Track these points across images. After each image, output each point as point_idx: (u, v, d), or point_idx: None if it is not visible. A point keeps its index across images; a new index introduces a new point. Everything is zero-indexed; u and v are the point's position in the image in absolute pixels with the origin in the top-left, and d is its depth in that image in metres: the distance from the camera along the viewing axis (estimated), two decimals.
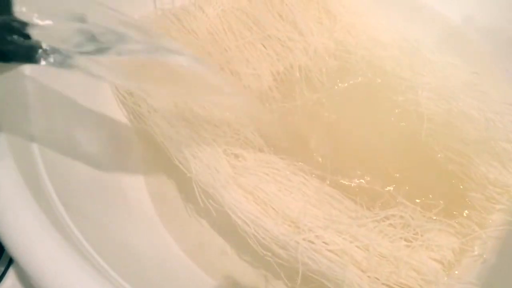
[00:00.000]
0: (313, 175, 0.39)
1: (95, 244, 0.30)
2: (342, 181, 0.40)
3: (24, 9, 0.21)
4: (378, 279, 0.35)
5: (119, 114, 0.44)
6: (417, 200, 0.39)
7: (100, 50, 0.24)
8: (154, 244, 0.40)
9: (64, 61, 0.23)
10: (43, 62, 0.23)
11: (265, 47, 0.47)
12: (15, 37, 0.22)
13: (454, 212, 0.39)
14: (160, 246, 0.40)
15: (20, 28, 0.22)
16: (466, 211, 0.40)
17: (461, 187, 0.40)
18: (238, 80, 0.45)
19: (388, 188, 0.39)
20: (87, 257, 0.28)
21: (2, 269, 0.30)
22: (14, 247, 0.25)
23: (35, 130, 0.33)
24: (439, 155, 0.41)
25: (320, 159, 0.41)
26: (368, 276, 0.35)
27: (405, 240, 0.37)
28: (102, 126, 0.43)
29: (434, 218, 0.38)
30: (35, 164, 0.32)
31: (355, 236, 0.36)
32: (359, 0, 0.48)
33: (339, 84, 0.45)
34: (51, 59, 0.23)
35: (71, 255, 0.26)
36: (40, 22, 0.22)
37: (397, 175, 0.40)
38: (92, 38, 0.23)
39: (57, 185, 0.32)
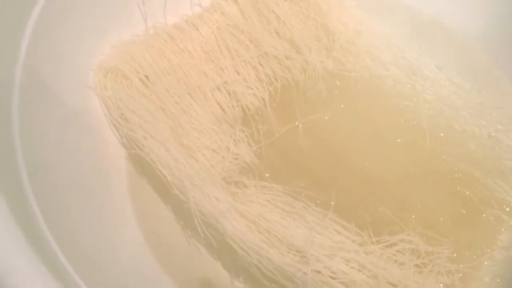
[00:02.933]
0: (318, 201, 0.38)
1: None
2: (346, 206, 0.38)
3: None
4: None
5: (112, 138, 0.42)
6: (426, 224, 0.38)
7: None
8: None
9: None
10: None
11: (262, 65, 0.46)
12: None
13: (463, 234, 0.38)
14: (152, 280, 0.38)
15: None
16: (474, 233, 0.39)
17: (469, 208, 0.39)
18: (236, 100, 0.44)
19: (396, 212, 0.38)
20: None
21: None
22: None
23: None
24: (445, 177, 0.40)
25: (322, 183, 0.40)
26: None
27: (415, 266, 0.36)
28: (91, 149, 0.41)
29: (443, 241, 0.37)
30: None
31: (363, 264, 0.35)
32: (359, 18, 0.46)
33: (339, 104, 0.44)
34: None
35: None
36: None
37: (404, 199, 0.39)
38: None
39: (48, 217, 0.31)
